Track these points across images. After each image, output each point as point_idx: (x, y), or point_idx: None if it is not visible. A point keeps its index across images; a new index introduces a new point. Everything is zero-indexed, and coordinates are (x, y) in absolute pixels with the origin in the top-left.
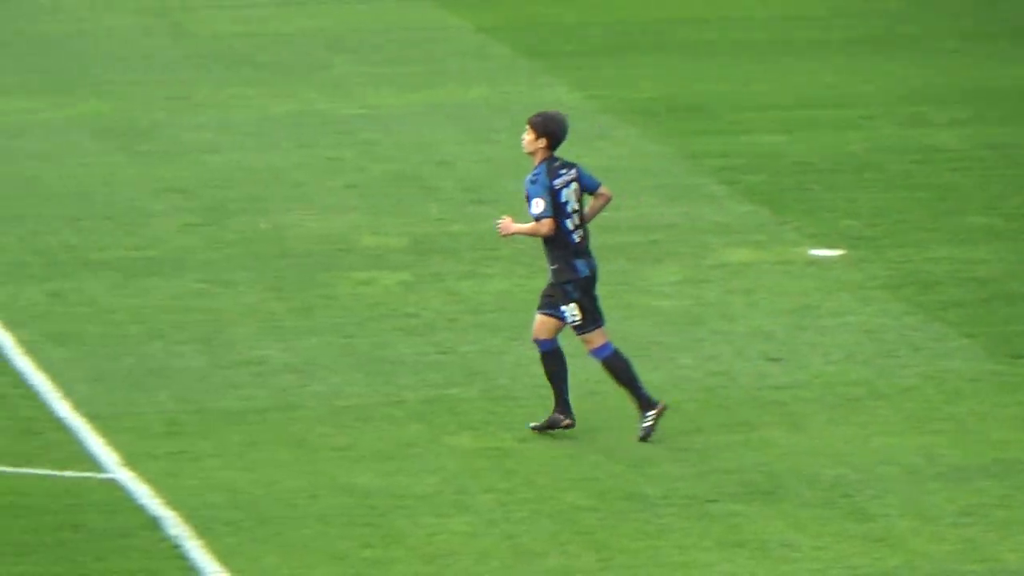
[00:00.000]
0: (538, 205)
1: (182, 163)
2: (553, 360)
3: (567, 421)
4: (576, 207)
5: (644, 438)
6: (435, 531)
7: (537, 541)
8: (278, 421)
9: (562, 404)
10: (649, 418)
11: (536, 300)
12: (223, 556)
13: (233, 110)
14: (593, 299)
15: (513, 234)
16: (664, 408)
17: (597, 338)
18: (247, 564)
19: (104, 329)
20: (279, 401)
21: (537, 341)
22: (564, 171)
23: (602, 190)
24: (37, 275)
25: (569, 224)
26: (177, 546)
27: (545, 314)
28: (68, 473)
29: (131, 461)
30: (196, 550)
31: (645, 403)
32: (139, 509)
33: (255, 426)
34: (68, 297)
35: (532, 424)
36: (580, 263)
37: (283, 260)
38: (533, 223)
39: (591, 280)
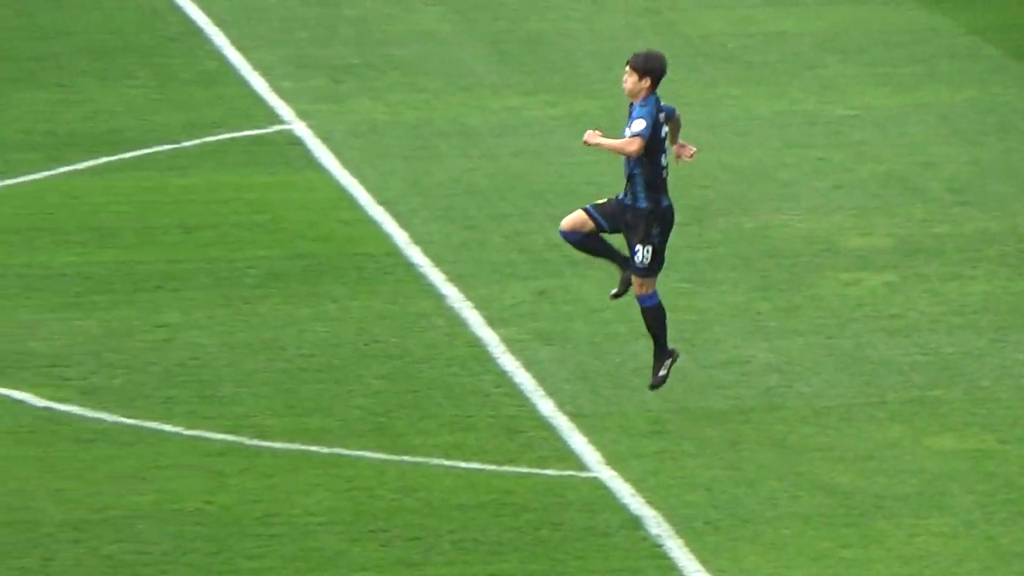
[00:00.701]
0: (640, 124)
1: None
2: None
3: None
4: (667, 147)
5: (656, 386)
6: (914, 532)
7: (1018, 543)
8: (761, 421)
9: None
10: (666, 367)
11: (1018, 303)
12: (703, 556)
13: (720, 109)
14: (665, 242)
15: (596, 145)
16: (677, 355)
17: (652, 284)
18: (727, 564)
19: (590, 328)
20: (762, 401)
21: (562, 233)
22: (666, 109)
23: (677, 115)
24: (523, 273)
25: (663, 160)
26: (658, 545)
27: (587, 211)
28: (550, 471)
29: (613, 460)
30: (677, 549)
31: (667, 353)
32: (620, 508)
33: (738, 426)
34: (554, 295)
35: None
36: (666, 200)
37: (768, 260)
38: (622, 140)
39: (671, 221)
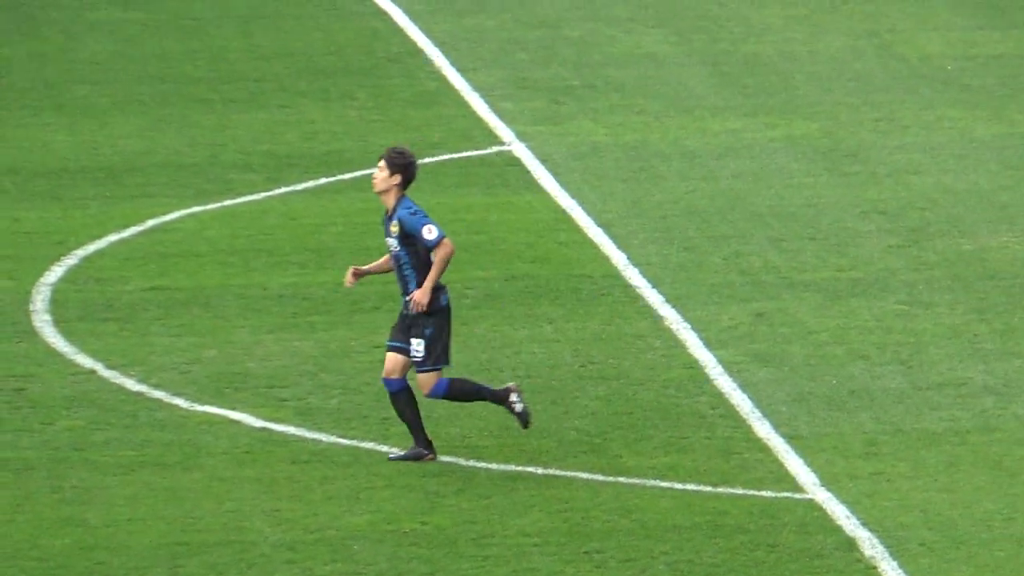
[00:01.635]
0: (431, 231)
1: (886, 184)
2: (406, 397)
3: (430, 455)
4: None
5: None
6: None
7: None
8: (977, 443)
9: (422, 438)
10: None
11: None
12: None
13: (938, 132)
14: (449, 334)
15: (429, 291)
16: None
17: (431, 381)
18: None
19: (807, 350)
20: (979, 423)
21: (388, 380)
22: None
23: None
24: (741, 295)
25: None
26: (872, 567)
27: (397, 349)
28: (765, 493)
29: (829, 481)
30: (891, 571)
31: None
32: (836, 529)
33: (954, 448)
34: (772, 317)
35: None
36: (443, 295)
37: (987, 282)
38: (438, 260)
39: (449, 311)
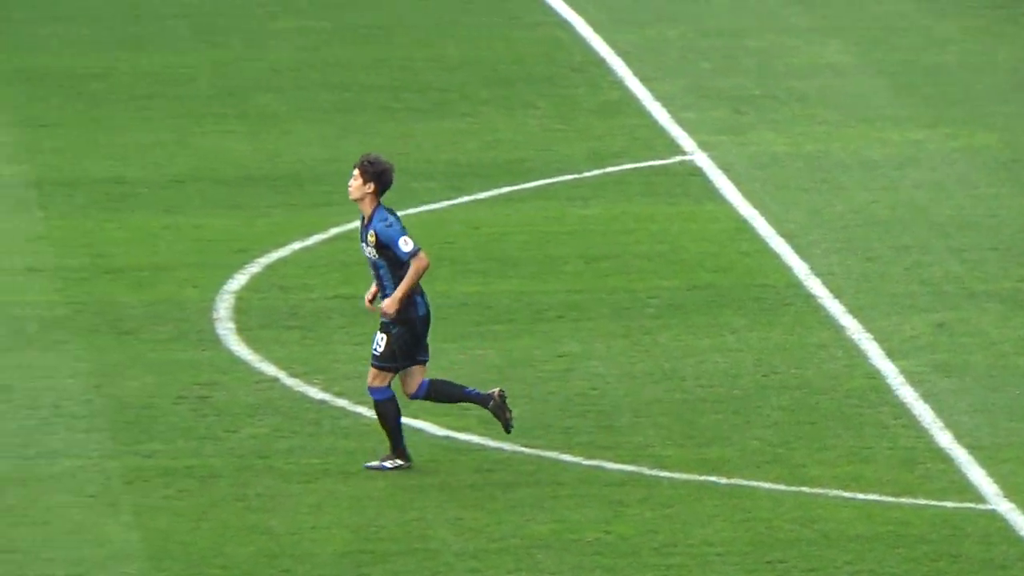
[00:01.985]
0: (407, 243)
1: None
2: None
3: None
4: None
5: (372, 467)
6: None
7: None
8: None
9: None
10: (389, 462)
11: None
12: None
13: None
14: (420, 338)
15: (400, 301)
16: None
17: (380, 380)
18: None
19: (989, 360)
20: None
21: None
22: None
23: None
24: (923, 305)
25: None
26: None
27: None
28: (948, 503)
29: (1012, 492)
30: None
31: (399, 451)
32: (1018, 541)
33: None
34: (954, 328)
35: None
36: (420, 300)
37: None
38: (412, 271)
39: (428, 319)
